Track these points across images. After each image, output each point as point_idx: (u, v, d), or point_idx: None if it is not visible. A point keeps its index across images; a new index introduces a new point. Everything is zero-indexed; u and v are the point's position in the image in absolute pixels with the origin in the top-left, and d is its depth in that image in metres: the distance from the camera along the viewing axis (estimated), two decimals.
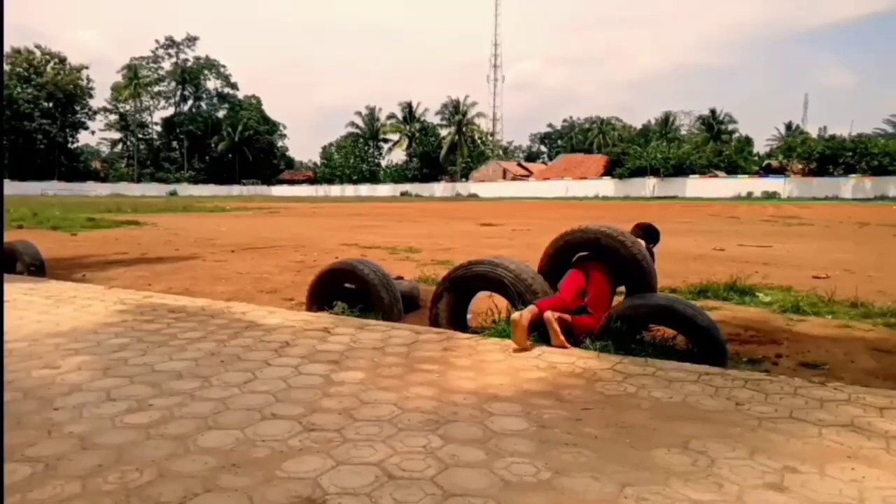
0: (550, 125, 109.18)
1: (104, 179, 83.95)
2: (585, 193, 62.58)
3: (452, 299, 4.08)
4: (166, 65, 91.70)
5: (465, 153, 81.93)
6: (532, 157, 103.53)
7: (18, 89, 74.65)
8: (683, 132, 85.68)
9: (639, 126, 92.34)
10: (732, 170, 60.15)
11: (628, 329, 3.46)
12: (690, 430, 2.25)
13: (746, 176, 58.43)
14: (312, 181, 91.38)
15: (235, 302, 4.91)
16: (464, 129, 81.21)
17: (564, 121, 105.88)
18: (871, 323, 4.60)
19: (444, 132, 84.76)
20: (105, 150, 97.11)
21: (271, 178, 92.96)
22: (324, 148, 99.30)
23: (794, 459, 2.00)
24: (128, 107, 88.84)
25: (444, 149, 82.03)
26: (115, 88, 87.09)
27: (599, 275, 3.80)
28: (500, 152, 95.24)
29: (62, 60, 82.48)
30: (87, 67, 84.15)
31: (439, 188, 77.12)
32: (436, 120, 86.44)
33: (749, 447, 2.09)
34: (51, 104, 78.74)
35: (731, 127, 75.60)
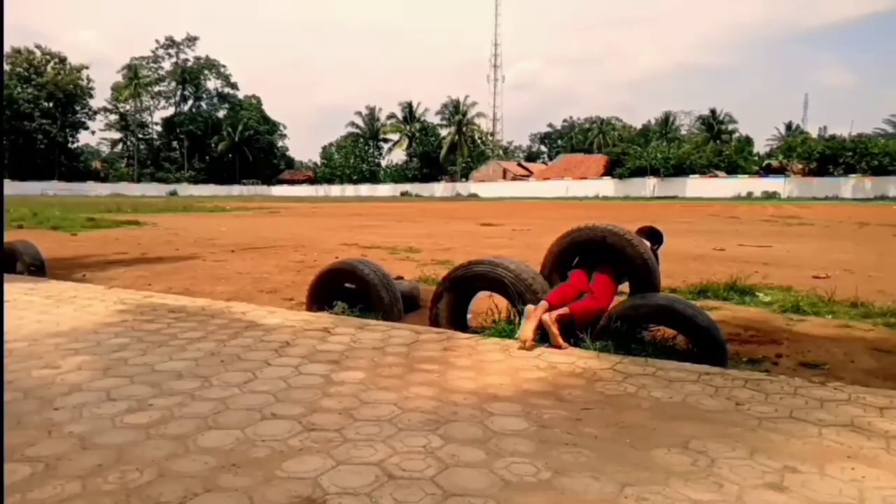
0: (550, 125, 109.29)
1: (104, 179, 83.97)
2: (585, 193, 62.60)
3: (452, 299, 4.09)
4: (166, 65, 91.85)
5: (465, 153, 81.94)
6: (532, 157, 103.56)
7: (18, 89, 74.68)
8: (683, 132, 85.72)
9: (639, 126, 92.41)
10: (732, 170, 60.17)
11: (628, 329, 3.46)
12: (690, 429, 2.25)
13: (746, 176, 58.44)
14: (312, 181, 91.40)
15: (235, 302, 4.91)
16: (464, 129, 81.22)
17: (564, 121, 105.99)
18: (871, 323, 4.60)
19: (444, 132, 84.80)
20: (105, 150, 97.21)
21: (271, 178, 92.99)
22: (324, 148, 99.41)
23: (794, 459, 2.00)
24: (128, 107, 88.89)
25: (444, 149, 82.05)
26: (116, 88, 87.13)
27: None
28: (501, 152, 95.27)
29: (62, 60, 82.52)
30: (87, 67, 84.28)
31: (439, 188, 77.13)
32: (436, 120, 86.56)
33: (749, 447, 2.09)
34: (51, 104, 78.77)
35: (731, 127, 75.64)
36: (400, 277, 5.42)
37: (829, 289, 5.61)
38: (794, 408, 2.48)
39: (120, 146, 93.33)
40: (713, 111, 75.33)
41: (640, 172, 62.18)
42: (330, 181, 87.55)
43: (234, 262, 8.51)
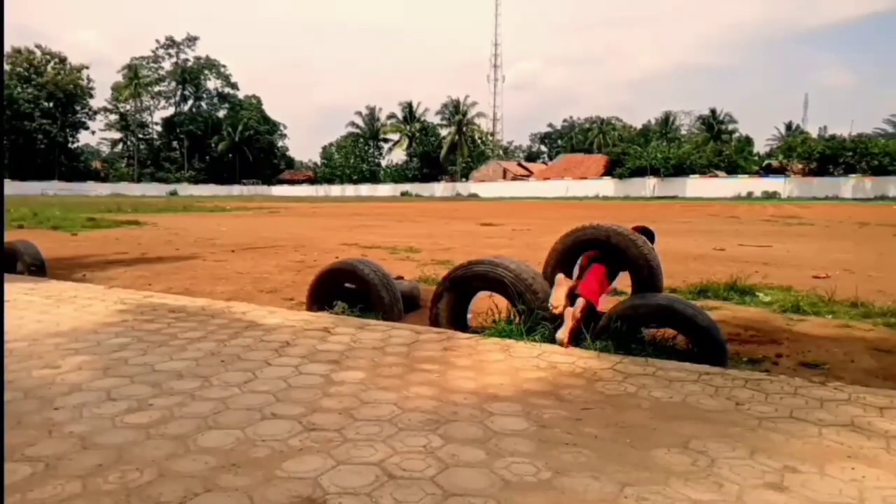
0: (550, 125, 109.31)
1: (104, 179, 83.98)
2: (585, 193, 62.60)
3: (453, 299, 4.09)
4: (166, 65, 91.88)
5: (465, 153, 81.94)
6: (532, 156, 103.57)
7: (19, 89, 74.69)
8: (683, 132, 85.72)
9: (639, 126, 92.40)
10: (732, 170, 60.17)
11: (628, 329, 3.46)
12: (690, 429, 2.25)
13: (746, 176, 58.45)
14: (312, 181, 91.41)
15: (235, 302, 4.91)
16: (464, 128, 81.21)
17: (564, 121, 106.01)
18: (871, 323, 4.60)
19: (444, 132, 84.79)
20: (105, 149, 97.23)
21: (271, 178, 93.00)
22: (324, 148, 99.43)
23: (794, 459, 2.00)
24: (128, 107, 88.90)
25: (444, 149, 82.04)
26: (116, 88, 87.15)
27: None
28: (501, 152, 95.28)
29: (62, 60, 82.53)
30: (87, 67, 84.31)
31: (439, 188, 77.13)
32: (436, 120, 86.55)
33: (749, 447, 2.09)
34: (51, 104, 78.79)
35: (731, 127, 75.63)
36: (400, 277, 5.43)
37: (829, 289, 5.61)
38: (794, 408, 2.48)
39: (120, 146, 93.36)
40: (713, 111, 75.35)
41: (640, 172, 62.18)
42: (330, 181, 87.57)
43: (234, 261, 8.51)
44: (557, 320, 3.61)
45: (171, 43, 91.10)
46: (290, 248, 10.33)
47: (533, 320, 3.67)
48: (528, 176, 76.03)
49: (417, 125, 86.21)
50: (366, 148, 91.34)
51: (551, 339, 3.49)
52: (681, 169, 60.47)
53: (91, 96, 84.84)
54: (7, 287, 5.03)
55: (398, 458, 1.97)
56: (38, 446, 2.05)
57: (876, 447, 2.10)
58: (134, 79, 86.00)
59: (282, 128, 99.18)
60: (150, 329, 3.77)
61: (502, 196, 64.73)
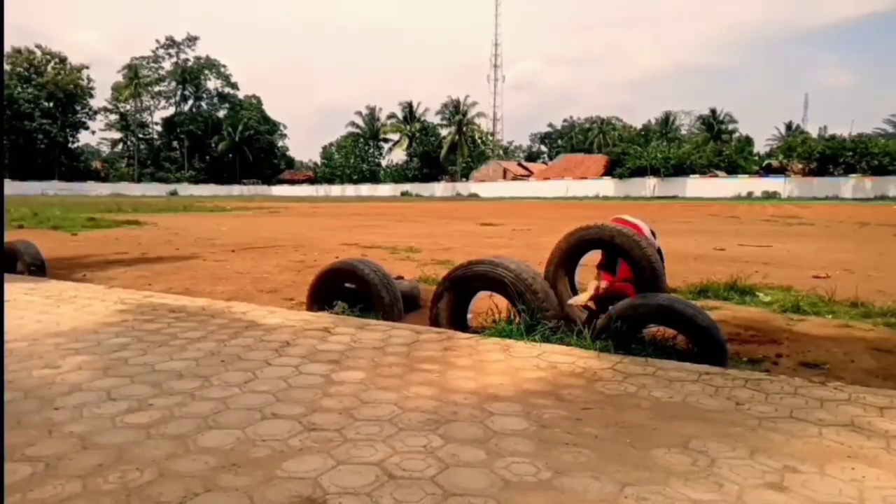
0: (550, 125, 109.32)
1: (104, 179, 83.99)
2: (586, 193, 62.61)
3: (453, 299, 4.09)
4: (167, 65, 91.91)
5: (465, 153, 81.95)
6: (532, 156, 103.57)
7: (19, 89, 74.70)
8: (683, 132, 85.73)
9: (639, 126, 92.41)
10: (733, 170, 60.18)
11: (628, 329, 3.46)
12: (690, 429, 2.25)
13: (747, 176, 58.46)
14: (313, 181, 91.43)
15: (236, 302, 4.91)
16: (464, 128, 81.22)
17: (565, 121, 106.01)
18: (871, 323, 4.60)
19: (444, 132, 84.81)
20: (105, 149, 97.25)
21: (271, 178, 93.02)
22: (324, 148, 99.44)
23: (795, 459, 2.00)
24: (128, 107, 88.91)
25: (444, 149, 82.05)
26: (116, 88, 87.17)
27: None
28: (501, 152, 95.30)
29: (62, 60, 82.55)
30: (87, 67, 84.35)
31: (439, 188, 77.14)
32: (436, 120, 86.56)
33: (749, 447, 2.09)
34: (51, 104, 78.80)
35: (731, 127, 75.64)
36: (400, 277, 5.43)
37: (829, 289, 5.61)
38: (795, 407, 2.48)
39: (120, 146, 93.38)
40: (713, 111, 75.35)
41: (640, 172, 62.20)
42: (330, 181, 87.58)
43: (234, 261, 8.51)
44: (558, 321, 3.64)
45: (171, 43, 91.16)
46: (290, 248, 10.33)
47: (533, 320, 3.68)
48: (528, 176, 76.03)
49: (417, 125, 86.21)
50: (366, 148, 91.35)
51: (553, 339, 3.49)
52: (681, 169, 60.48)
53: (91, 96, 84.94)
54: (7, 287, 5.03)
55: (398, 458, 1.97)
56: (38, 446, 2.05)
57: (876, 447, 2.10)
58: (134, 79, 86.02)
59: (282, 128, 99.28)
60: (151, 329, 3.77)
61: (502, 196, 64.74)
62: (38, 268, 6.32)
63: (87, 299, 4.78)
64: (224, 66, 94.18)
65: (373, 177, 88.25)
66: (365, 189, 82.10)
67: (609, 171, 66.63)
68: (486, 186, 72.17)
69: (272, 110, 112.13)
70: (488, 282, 3.94)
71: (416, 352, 3.29)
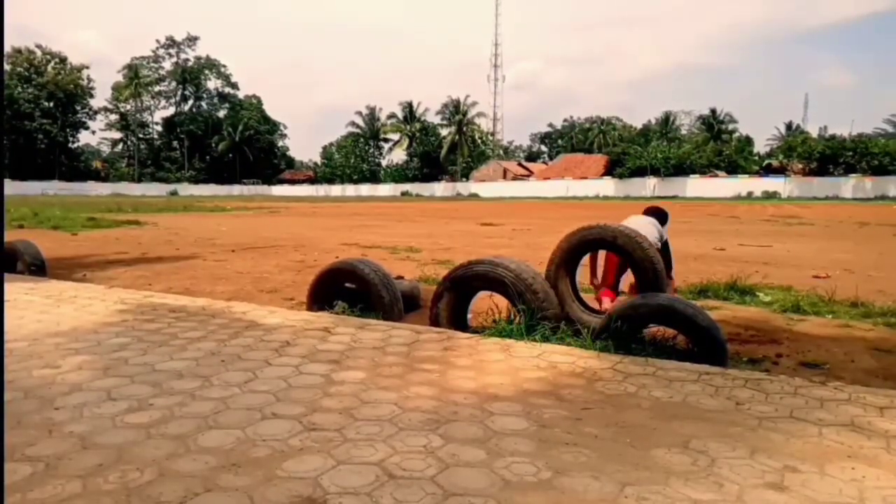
0: (551, 125, 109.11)
1: (105, 179, 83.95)
2: (586, 193, 62.58)
3: (453, 299, 4.09)
4: (167, 64, 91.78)
5: (465, 153, 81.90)
6: (532, 156, 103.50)
7: (19, 89, 74.67)
8: (684, 132, 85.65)
9: (639, 126, 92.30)
10: (733, 169, 60.14)
11: (629, 329, 3.46)
12: (691, 429, 2.25)
13: (747, 176, 58.41)
14: (313, 181, 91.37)
15: (236, 301, 4.91)
16: (464, 128, 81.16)
17: (565, 120, 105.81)
18: (871, 322, 4.60)
19: (444, 132, 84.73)
20: (106, 149, 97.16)
21: (272, 178, 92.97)
22: (324, 148, 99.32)
23: (795, 459, 2.00)
24: (128, 106, 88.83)
25: (444, 148, 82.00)
26: (116, 88, 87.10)
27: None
28: (501, 152, 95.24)
29: (63, 60, 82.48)
30: (87, 67, 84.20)
31: (440, 188, 77.10)
32: (436, 120, 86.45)
33: (749, 447, 2.09)
34: (51, 104, 78.76)
35: (731, 127, 75.52)
36: (400, 277, 5.43)
37: (829, 288, 5.61)
38: (795, 407, 2.48)
39: (120, 146, 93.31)
40: (713, 111, 75.24)
41: (640, 172, 62.16)
42: (330, 181, 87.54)
43: (234, 261, 8.51)
44: (558, 321, 3.66)
45: (171, 43, 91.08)
46: (290, 248, 10.33)
47: (533, 320, 3.68)
48: (528, 176, 76.01)
49: (417, 125, 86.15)
50: (366, 148, 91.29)
51: (553, 339, 3.50)
52: (681, 169, 60.44)
53: (91, 96, 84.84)
54: (7, 287, 5.04)
55: (398, 458, 1.97)
56: (39, 446, 2.05)
57: (876, 447, 2.10)
58: (134, 79, 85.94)
59: (282, 128, 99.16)
60: (151, 329, 3.77)
61: (502, 196, 64.71)
62: (39, 268, 6.32)
63: (88, 299, 4.78)
64: (224, 66, 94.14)
65: (373, 177, 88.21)
66: (365, 189, 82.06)
67: (609, 171, 66.60)
68: (487, 186, 72.14)
69: (272, 110, 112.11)
70: (488, 282, 3.94)
71: (416, 352, 3.29)
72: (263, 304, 4.97)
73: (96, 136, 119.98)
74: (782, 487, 1.81)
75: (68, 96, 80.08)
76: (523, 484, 1.82)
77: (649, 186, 61.28)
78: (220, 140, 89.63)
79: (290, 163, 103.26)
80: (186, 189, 78.35)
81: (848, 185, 52.14)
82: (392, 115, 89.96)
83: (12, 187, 63.08)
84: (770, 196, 53.06)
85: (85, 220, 16.95)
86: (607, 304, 4.25)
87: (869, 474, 1.90)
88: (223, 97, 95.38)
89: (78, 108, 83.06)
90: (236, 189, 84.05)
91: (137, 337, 3.57)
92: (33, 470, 1.88)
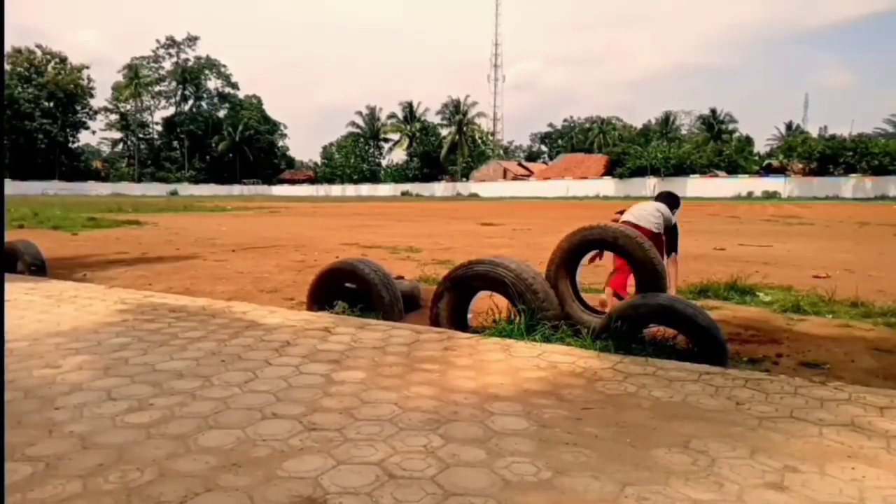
0: (551, 125, 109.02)
1: (105, 179, 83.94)
2: (586, 193, 62.59)
3: (453, 299, 4.09)
4: (167, 64, 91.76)
5: (465, 153, 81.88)
6: (532, 156, 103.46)
7: (19, 89, 74.66)
8: (684, 132, 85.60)
9: (639, 126, 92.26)
10: (733, 169, 60.14)
11: (629, 329, 3.46)
12: (691, 429, 2.25)
13: (747, 175, 58.42)
14: (313, 181, 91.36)
15: (236, 301, 4.91)
16: (464, 128, 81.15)
17: (565, 120, 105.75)
18: (871, 322, 4.60)
19: (444, 132, 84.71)
20: (106, 149, 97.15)
21: (272, 178, 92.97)
22: (324, 148, 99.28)
23: (795, 459, 2.00)
24: (128, 106, 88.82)
25: (444, 148, 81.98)
26: (116, 88, 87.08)
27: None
28: (501, 152, 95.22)
29: (63, 60, 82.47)
30: (87, 67, 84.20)
31: (440, 188, 77.09)
32: (436, 120, 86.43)
33: (749, 447, 2.09)
34: (52, 104, 78.76)
35: (731, 126, 75.48)
36: (400, 277, 5.43)
37: (829, 288, 5.61)
38: (795, 407, 2.48)
39: (120, 146, 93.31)
40: (713, 111, 75.20)
41: (640, 172, 62.16)
42: (330, 181, 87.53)
43: (234, 261, 8.51)
44: (558, 320, 3.67)
45: (171, 43, 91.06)
46: (290, 248, 10.34)
47: (533, 320, 3.68)
48: (528, 176, 76.00)
49: (418, 125, 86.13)
50: (366, 148, 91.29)
51: (553, 339, 3.50)
52: (681, 169, 60.45)
53: (91, 96, 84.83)
54: (7, 287, 5.04)
55: (398, 458, 1.97)
56: (39, 446, 2.05)
57: (876, 447, 2.10)
58: (134, 79, 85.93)
59: (282, 128, 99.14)
60: (151, 329, 3.78)
61: (503, 196, 64.70)
62: (39, 267, 6.32)
63: (88, 299, 4.78)
64: (224, 66, 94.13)
65: (373, 177, 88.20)
66: (365, 189, 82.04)
67: (609, 170, 66.60)
68: (487, 186, 72.12)
69: (272, 110, 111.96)
70: (489, 281, 3.94)
71: (416, 352, 3.29)
72: (264, 303, 4.97)
73: (96, 136, 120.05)
74: (782, 487, 1.81)
75: (68, 96, 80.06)
76: (523, 484, 1.82)
77: (649, 186, 61.22)
78: (221, 140, 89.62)
79: (291, 163, 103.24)
80: (186, 189, 78.32)
81: (848, 185, 52.13)
82: (392, 115, 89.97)
83: (12, 187, 63.05)
84: (770, 196, 53.06)
85: (85, 220, 16.95)
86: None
87: (869, 474, 1.90)
88: (223, 97, 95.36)
89: (78, 108, 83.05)
90: (236, 189, 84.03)
91: (138, 337, 3.57)
92: (33, 470, 1.88)
